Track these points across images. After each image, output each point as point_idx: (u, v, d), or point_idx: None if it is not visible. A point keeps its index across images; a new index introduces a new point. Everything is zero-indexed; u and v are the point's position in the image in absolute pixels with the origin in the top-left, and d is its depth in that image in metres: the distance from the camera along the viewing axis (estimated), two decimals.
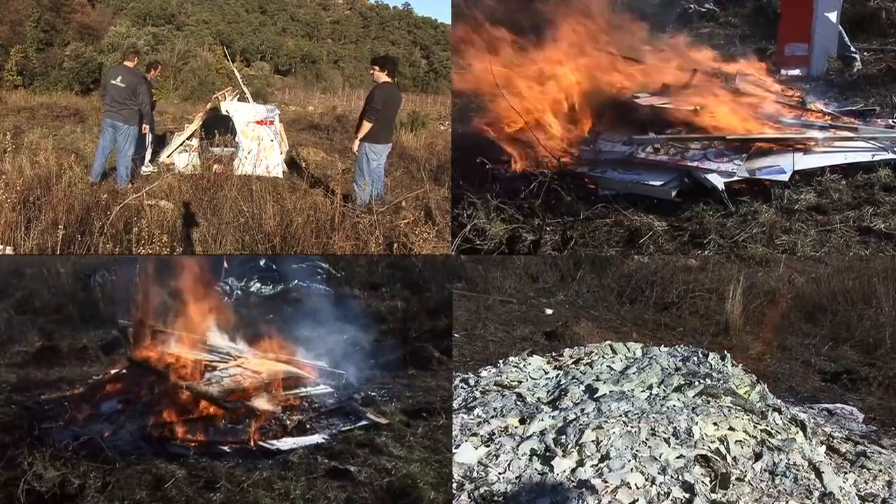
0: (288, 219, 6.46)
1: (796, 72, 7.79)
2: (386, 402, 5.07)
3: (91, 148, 10.04)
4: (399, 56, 45.78)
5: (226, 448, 4.00)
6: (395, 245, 6.32)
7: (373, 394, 5.21)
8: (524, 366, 4.79)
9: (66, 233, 5.59)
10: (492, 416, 3.92)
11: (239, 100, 10.76)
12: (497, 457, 3.51)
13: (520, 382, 4.47)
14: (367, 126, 7.19)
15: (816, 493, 3.30)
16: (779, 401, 4.33)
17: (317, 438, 4.27)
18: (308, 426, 4.43)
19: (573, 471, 3.33)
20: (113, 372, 4.95)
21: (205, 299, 5.48)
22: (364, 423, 4.59)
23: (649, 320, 7.89)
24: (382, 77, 7.34)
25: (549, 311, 7.81)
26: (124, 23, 27.72)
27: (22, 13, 24.51)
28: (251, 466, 3.81)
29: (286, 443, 4.13)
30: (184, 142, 10.22)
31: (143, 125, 8.72)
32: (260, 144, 9.75)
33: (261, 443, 4.09)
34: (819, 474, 3.43)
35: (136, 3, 39.11)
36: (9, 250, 5.58)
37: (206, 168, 8.99)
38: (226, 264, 7.76)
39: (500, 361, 4.99)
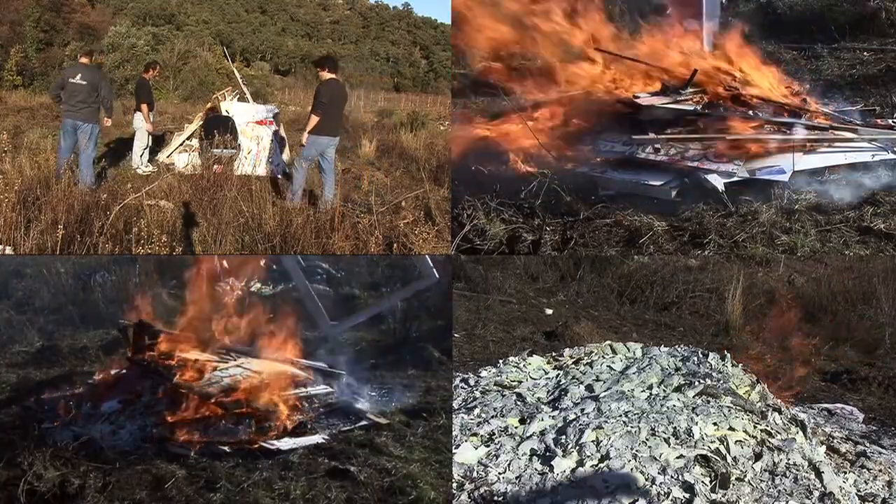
0: (288, 219, 6.46)
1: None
2: (386, 402, 5.07)
3: None
4: (400, 54, 45.82)
5: (226, 448, 4.00)
6: (395, 245, 6.32)
7: (373, 394, 5.21)
8: (524, 366, 4.79)
9: (66, 233, 5.59)
10: (492, 416, 3.91)
11: (239, 100, 10.77)
12: (497, 457, 3.51)
13: (520, 382, 4.46)
14: (314, 119, 7.56)
15: (816, 493, 3.30)
16: (779, 401, 4.33)
17: (317, 438, 4.27)
18: (308, 426, 4.43)
19: (573, 471, 3.33)
20: (113, 372, 4.95)
21: (205, 299, 5.48)
22: (364, 423, 4.59)
23: (649, 320, 7.90)
24: (326, 75, 7.75)
25: (549, 311, 7.81)
26: (124, 23, 27.68)
27: (22, 13, 24.52)
28: (251, 466, 3.81)
29: (286, 443, 4.12)
30: (184, 142, 10.22)
31: (105, 118, 8.50)
32: (259, 144, 9.76)
33: (261, 443, 4.09)
34: (819, 474, 3.42)
35: (136, 3, 39.12)
36: (9, 250, 5.58)
37: (206, 168, 8.98)
38: (225, 264, 7.76)
39: (500, 361, 4.98)
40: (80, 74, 8.23)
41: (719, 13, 8.55)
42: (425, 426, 4.55)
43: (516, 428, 3.78)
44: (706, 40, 8.04)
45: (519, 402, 4.10)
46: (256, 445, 4.06)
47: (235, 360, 4.90)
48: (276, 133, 10.06)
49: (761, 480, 3.34)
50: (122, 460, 3.74)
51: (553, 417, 3.80)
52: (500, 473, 3.39)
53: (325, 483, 3.66)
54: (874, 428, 5.02)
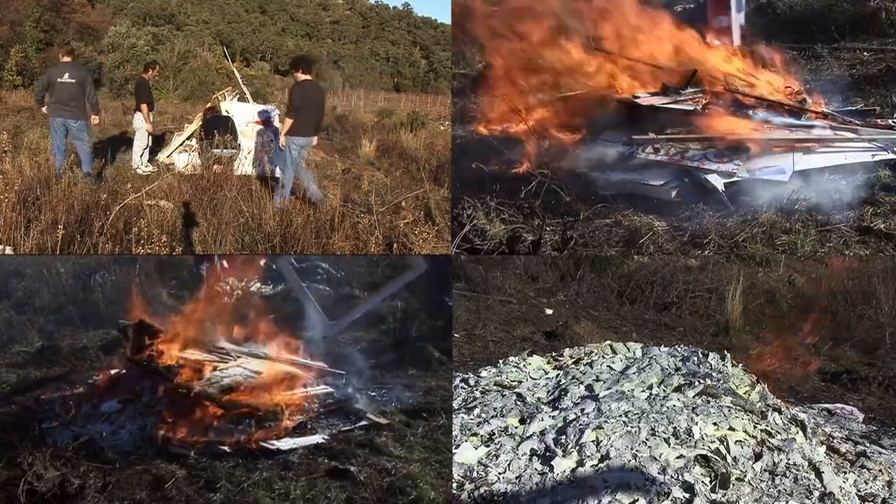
0: (288, 219, 6.46)
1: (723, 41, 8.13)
2: (386, 402, 5.07)
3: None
4: (400, 54, 45.79)
5: (226, 448, 4.00)
6: (395, 245, 6.32)
7: (373, 394, 5.21)
8: (524, 366, 4.79)
9: (66, 233, 5.58)
10: (492, 416, 3.91)
11: (239, 100, 10.77)
12: (497, 457, 3.51)
13: (520, 382, 4.46)
14: (288, 122, 7.58)
15: (816, 493, 3.29)
16: (779, 401, 4.32)
17: (317, 438, 4.27)
18: (308, 426, 4.44)
19: (573, 471, 3.33)
20: (113, 372, 4.95)
21: (205, 299, 5.48)
22: (364, 423, 4.59)
23: (649, 320, 7.90)
24: (301, 76, 7.77)
25: (549, 311, 7.81)
26: (124, 23, 27.69)
27: (22, 13, 24.50)
28: (251, 466, 3.81)
29: (286, 443, 4.13)
30: (184, 142, 10.22)
31: (94, 116, 8.43)
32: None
33: (261, 443, 4.09)
34: (819, 474, 3.42)
35: (136, 3, 39.11)
36: (9, 250, 5.58)
37: (206, 168, 8.97)
38: (225, 264, 7.77)
39: (500, 361, 4.98)
40: (67, 73, 8.14)
41: (744, 8, 8.70)
42: (425, 426, 4.55)
43: (516, 428, 3.78)
44: (735, 35, 8.15)
45: (519, 402, 4.09)
46: (256, 445, 4.06)
47: (235, 360, 4.91)
48: (273, 132, 10.06)
49: (761, 480, 3.34)
50: (122, 460, 3.75)
51: (553, 417, 3.80)
52: (500, 473, 3.39)
53: (325, 483, 3.66)
54: (874, 428, 5.01)
